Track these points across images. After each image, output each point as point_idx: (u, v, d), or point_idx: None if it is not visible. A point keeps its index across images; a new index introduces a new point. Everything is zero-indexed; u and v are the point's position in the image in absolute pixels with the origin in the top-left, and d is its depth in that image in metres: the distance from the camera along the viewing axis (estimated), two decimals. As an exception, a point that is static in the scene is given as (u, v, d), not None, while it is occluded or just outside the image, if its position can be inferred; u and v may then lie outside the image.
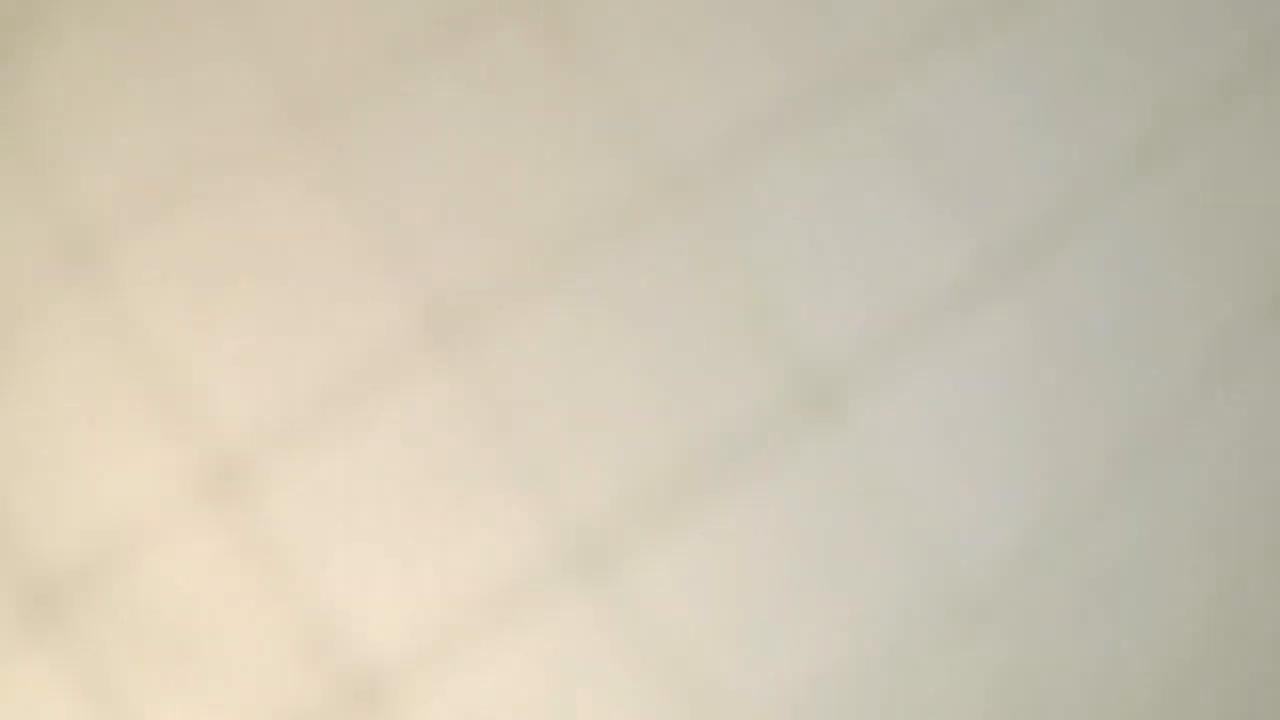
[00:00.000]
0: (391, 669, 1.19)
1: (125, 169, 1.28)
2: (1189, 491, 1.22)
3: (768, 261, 1.25)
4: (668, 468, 1.22)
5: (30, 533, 1.23)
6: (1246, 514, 1.22)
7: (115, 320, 1.26)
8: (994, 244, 1.25)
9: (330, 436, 1.23)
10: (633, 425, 1.22)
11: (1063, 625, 1.20)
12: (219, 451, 1.23)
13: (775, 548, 1.21)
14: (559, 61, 1.27)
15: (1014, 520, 1.21)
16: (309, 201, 1.26)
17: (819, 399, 1.22)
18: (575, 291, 1.25)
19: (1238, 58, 1.29)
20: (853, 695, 1.19)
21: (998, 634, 1.20)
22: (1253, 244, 1.26)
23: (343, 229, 1.26)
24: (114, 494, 1.23)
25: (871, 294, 1.24)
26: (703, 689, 1.19)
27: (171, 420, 1.23)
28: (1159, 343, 1.24)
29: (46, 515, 1.23)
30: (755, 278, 1.25)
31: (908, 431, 1.22)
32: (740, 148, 1.27)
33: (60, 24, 1.32)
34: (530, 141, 1.27)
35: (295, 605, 1.20)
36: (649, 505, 1.21)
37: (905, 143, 1.26)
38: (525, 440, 1.22)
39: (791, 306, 1.24)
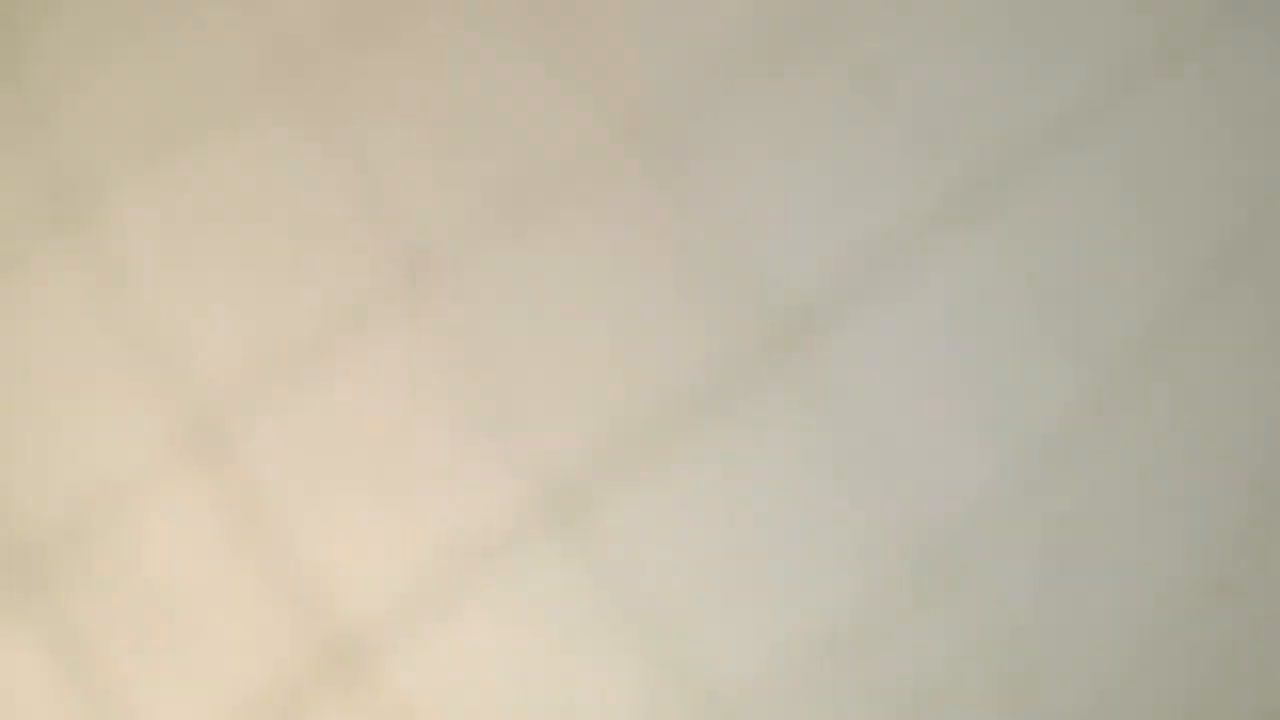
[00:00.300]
0: (371, 625, 1.19)
1: (112, 124, 1.28)
2: (1160, 433, 1.21)
3: (734, 207, 1.24)
4: (638, 416, 1.21)
5: (8, 495, 1.22)
6: (1219, 457, 1.21)
7: (93, 276, 1.25)
8: (959, 183, 1.24)
9: (307, 392, 1.22)
10: (604, 374, 1.21)
11: (1037, 575, 1.19)
12: (197, 409, 1.22)
13: (747, 496, 1.20)
14: None
15: (983, 466, 1.20)
16: (288, 155, 1.26)
17: (787, 343, 1.22)
18: (544, 241, 1.24)
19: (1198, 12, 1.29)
20: (824, 648, 1.18)
21: (970, 586, 1.18)
22: (1214, 186, 1.25)
23: (320, 183, 1.25)
24: (93, 455, 1.22)
25: (837, 236, 1.23)
26: (675, 640, 1.18)
27: (150, 378, 1.23)
28: (1125, 281, 1.23)
29: (25, 477, 1.22)
30: (722, 223, 1.24)
31: (877, 374, 1.21)
32: (702, 90, 1.26)
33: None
34: (500, 79, 1.27)
35: (274, 563, 1.20)
36: (621, 455, 1.21)
37: (868, 85, 1.26)
38: (498, 393, 1.22)
39: (758, 251, 1.23)
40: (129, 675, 1.19)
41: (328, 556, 1.20)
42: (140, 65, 1.29)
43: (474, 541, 1.20)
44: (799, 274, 1.23)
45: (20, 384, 1.24)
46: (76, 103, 1.28)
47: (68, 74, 1.29)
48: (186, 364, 1.23)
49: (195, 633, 1.19)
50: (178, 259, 1.25)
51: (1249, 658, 1.19)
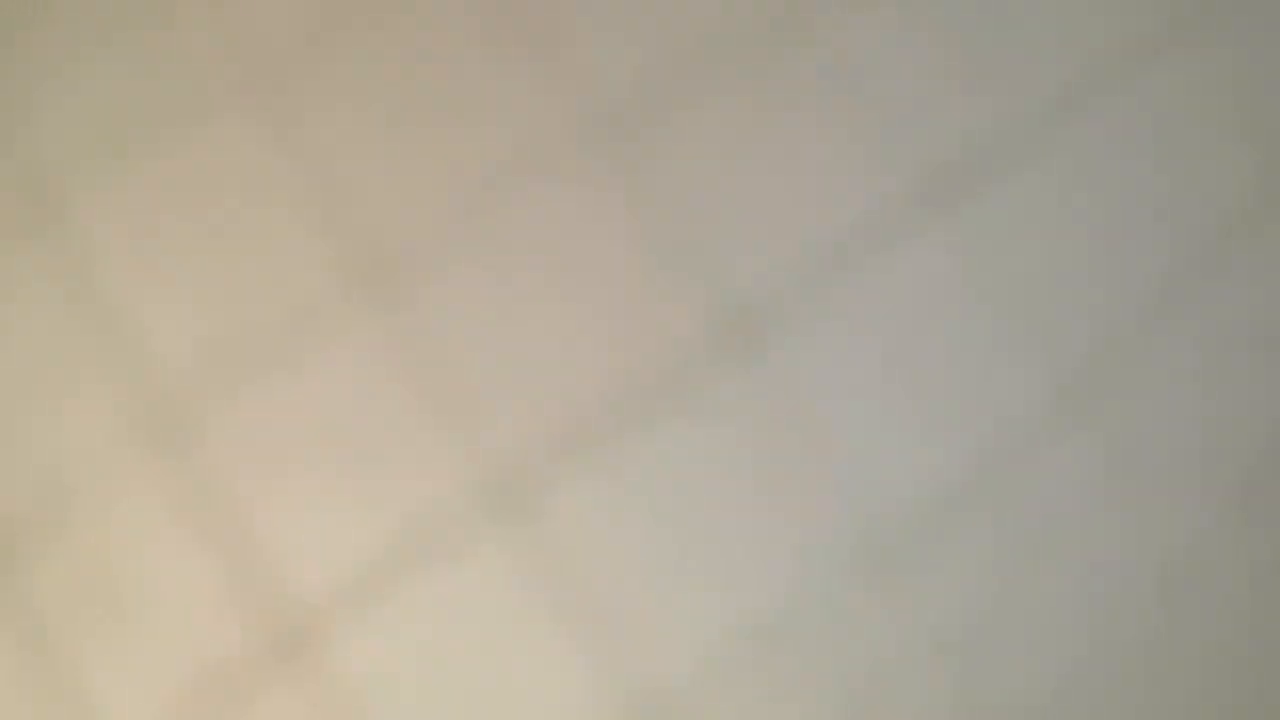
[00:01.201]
0: (321, 609, 1.19)
1: (77, 122, 1.28)
2: (1111, 435, 1.21)
3: (691, 203, 1.24)
4: (588, 407, 1.21)
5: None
6: (1169, 458, 1.21)
7: (56, 270, 1.25)
8: (920, 181, 1.24)
9: (261, 381, 1.23)
10: (554, 364, 1.22)
11: (981, 570, 1.19)
12: (153, 397, 1.23)
13: (695, 488, 1.20)
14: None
15: (931, 463, 1.20)
16: (250, 152, 1.26)
17: (740, 336, 1.22)
18: (496, 233, 1.24)
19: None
20: (768, 641, 1.19)
21: (915, 581, 1.19)
22: (1174, 191, 1.25)
23: (280, 178, 1.26)
24: (51, 441, 1.22)
25: (794, 232, 1.23)
26: (619, 628, 1.19)
27: (108, 366, 1.23)
28: (1079, 285, 1.23)
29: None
30: (676, 215, 1.24)
31: (829, 370, 1.21)
32: (664, 84, 1.26)
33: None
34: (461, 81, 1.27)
35: (227, 548, 1.20)
36: (570, 444, 1.21)
37: (833, 83, 1.26)
38: (449, 381, 1.22)
39: (713, 244, 1.23)
40: (82, 657, 1.19)
41: (280, 542, 1.20)
42: (106, 66, 1.29)
43: (422, 528, 1.21)
44: (755, 270, 1.23)
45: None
46: (41, 101, 1.29)
47: (34, 73, 1.29)
48: (144, 354, 1.23)
49: (147, 615, 1.20)
50: (140, 254, 1.25)
51: (1199, 656, 1.19)
